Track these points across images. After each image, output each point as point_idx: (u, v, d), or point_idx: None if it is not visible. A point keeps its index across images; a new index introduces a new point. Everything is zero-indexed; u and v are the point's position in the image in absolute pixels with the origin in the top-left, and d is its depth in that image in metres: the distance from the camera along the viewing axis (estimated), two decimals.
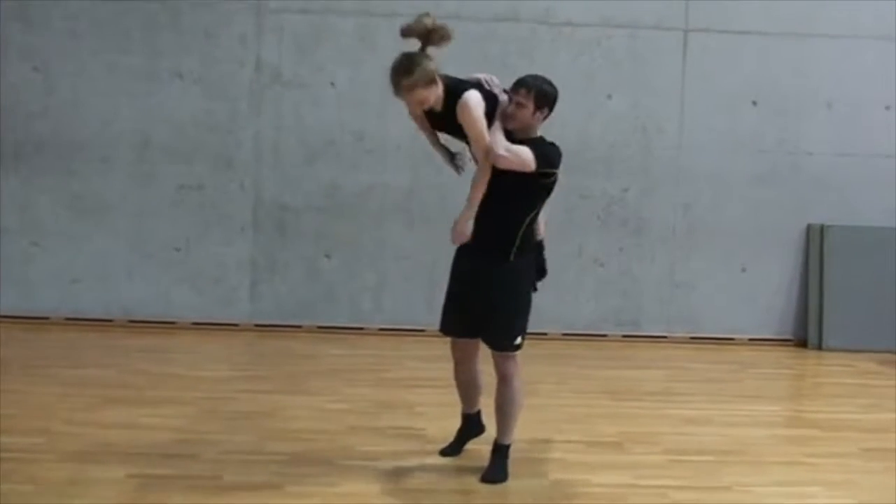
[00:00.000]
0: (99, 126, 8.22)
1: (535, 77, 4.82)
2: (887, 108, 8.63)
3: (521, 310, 4.85)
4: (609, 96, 8.46)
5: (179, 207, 8.31)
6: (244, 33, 8.26)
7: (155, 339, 7.88)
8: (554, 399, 6.54)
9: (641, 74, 8.48)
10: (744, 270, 8.67)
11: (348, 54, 8.31)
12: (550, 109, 4.82)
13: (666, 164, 8.55)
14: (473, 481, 4.88)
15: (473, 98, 4.68)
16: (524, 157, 4.64)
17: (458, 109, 4.67)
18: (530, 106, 4.74)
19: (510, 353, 4.85)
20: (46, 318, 8.20)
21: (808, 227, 8.68)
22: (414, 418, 5.46)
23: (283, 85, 8.32)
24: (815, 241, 8.62)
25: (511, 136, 4.73)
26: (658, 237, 8.61)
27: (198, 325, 8.30)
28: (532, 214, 4.79)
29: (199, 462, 4.99)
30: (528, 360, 7.71)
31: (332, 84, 8.34)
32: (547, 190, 4.79)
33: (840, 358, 8.24)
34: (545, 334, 8.50)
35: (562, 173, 4.81)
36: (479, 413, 5.22)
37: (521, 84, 4.77)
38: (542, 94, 4.76)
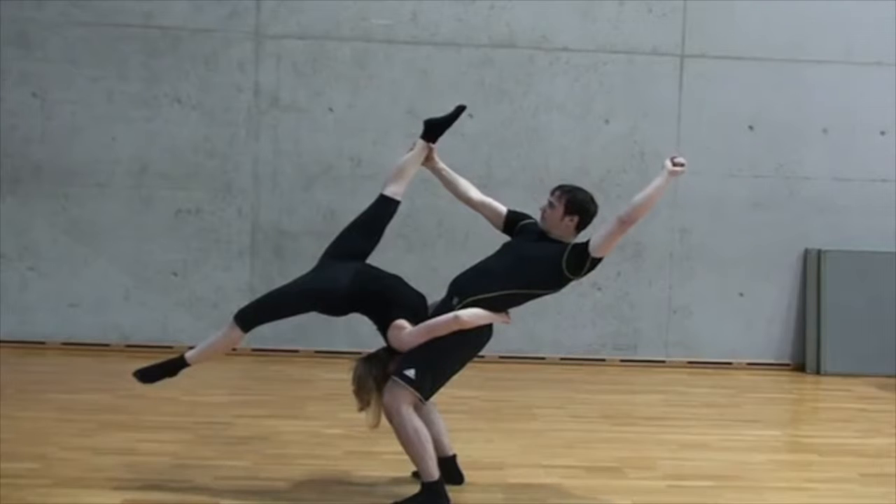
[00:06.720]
0: (97, 151, 8.23)
1: (580, 188, 5.03)
2: (883, 133, 8.66)
3: (437, 353, 4.78)
4: (606, 121, 8.49)
5: (177, 232, 8.31)
6: (243, 59, 8.29)
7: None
8: (552, 424, 6.53)
9: (638, 100, 8.51)
10: (741, 295, 8.67)
11: (346, 80, 8.35)
12: (581, 218, 4.96)
13: None
14: None
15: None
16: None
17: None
18: (560, 208, 4.93)
19: (398, 382, 4.77)
20: (43, 343, 8.19)
21: (806, 252, 8.68)
22: None
23: (282, 110, 8.34)
24: (813, 265, 8.63)
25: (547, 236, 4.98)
26: (655, 262, 8.61)
27: None
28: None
29: (195, 488, 4.97)
30: (526, 385, 7.80)
31: (331, 109, 8.36)
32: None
33: (838, 382, 8.22)
34: (543, 359, 8.49)
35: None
36: (451, 458, 5.11)
37: (559, 187, 5.03)
38: (573, 201, 4.94)
